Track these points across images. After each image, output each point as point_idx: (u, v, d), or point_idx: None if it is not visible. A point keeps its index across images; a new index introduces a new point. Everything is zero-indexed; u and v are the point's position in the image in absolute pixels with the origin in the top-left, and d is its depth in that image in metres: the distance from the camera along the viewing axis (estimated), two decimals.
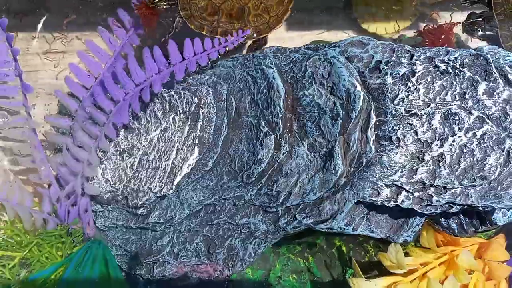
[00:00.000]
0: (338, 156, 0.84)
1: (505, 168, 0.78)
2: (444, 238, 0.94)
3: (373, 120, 0.83)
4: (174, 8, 1.04)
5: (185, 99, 0.97)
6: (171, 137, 0.96)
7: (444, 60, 0.83)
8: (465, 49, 0.84)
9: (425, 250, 0.94)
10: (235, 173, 0.92)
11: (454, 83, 0.82)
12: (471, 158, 0.79)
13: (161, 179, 0.95)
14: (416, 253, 0.93)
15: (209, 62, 1.00)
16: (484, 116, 0.79)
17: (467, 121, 0.79)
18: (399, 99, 0.83)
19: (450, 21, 1.09)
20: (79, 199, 0.99)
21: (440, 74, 0.83)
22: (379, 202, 0.83)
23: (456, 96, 0.81)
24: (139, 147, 0.99)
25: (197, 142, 0.94)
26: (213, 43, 0.99)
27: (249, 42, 1.07)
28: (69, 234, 1.01)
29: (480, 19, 1.06)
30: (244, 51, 1.06)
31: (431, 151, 0.80)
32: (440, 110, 0.81)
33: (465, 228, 0.91)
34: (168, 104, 0.98)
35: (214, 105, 0.95)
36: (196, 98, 0.96)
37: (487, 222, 0.88)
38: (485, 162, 0.78)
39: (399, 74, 0.84)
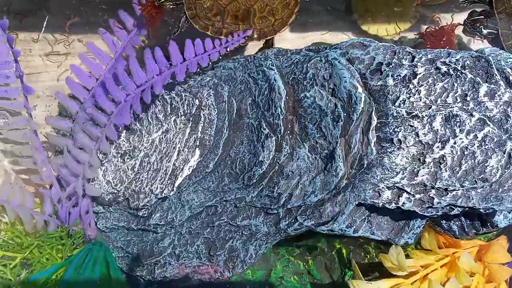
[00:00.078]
0: (339, 158, 0.83)
1: (506, 170, 0.78)
2: (445, 240, 0.94)
3: (374, 122, 0.83)
4: (180, 8, 1.03)
5: (186, 101, 0.97)
6: (172, 139, 0.96)
7: (445, 62, 0.83)
8: (466, 51, 0.84)
9: (426, 252, 0.94)
10: (236, 175, 0.92)
11: (456, 85, 0.82)
12: (473, 160, 0.79)
13: (162, 181, 0.95)
14: (417, 255, 0.93)
15: (210, 63, 1.00)
16: (485, 118, 0.79)
17: (468, 123, 0.79)
18: (401, 101, 0.83)
19: (451, 23, 1.09)
20: (80, 200, 0.99)
21: (441, 76, 0.83)
22: (380, 204, 0.83)
23: (458, 98, 0.81)
24: (140, 148, 0.99)
25: (198, 143, 0.94)
26: (214, 44, 0.99)
27: (251, 43, 1.06)
28: (70, 236, 1.01)
29: (482, 16, 1.06)
30: (253, 53, 1.05)
31: (432, 153, 0.80)
32: (441, 112, 0.81)
33: (466, 230, 0.91)
34: (169, 106, 0.98)
35: (215, 107, 0.95)
36: (197, 100, 0.96)
37: (488, 224, 0.88)
38: (486, 164, 0.78)
39: (400, 76, 0.84)
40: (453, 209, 0.81)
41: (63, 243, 1.00)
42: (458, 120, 0.80)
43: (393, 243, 0.90)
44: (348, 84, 0.84)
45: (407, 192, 0.81)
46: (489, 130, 0.78)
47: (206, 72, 1.02)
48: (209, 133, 0.94)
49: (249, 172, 0.90)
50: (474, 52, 0.84)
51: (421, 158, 0.81)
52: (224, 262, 0.95)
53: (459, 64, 0.82)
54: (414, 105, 0.82)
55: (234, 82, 0.97)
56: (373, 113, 0.84)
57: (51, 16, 1.20)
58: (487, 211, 0.81)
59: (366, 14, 1.19)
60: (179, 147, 0.95)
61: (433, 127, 0.80)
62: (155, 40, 1.12)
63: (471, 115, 0.79)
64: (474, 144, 0.79)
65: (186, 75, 0.94)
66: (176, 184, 0.94)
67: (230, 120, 0.95)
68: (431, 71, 0.83)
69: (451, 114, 0.80)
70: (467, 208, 0.80)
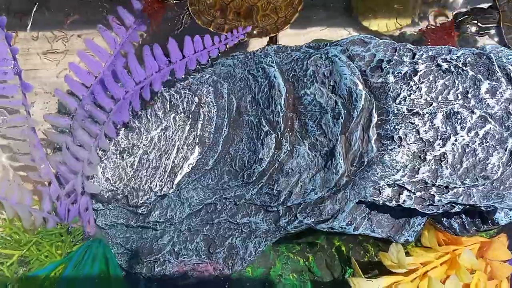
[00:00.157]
0: (339, 155, 0.83)
1: (507, 168, 0.78)
2: (445, 237, 0.94)
3: (375, 119, 0.83)
4: (183, 3, 1.03)
5: (186, 98, 0.96)
6: (171, 136, 0.96)
7: (446, 59, 0.82)
8: (467, 48, 0.84)
9: (426, 250, 0.94)
10: (236, 172, 0.92)
11: (457, 82, 0.81)
12: (474, 158, 0.78)
13: (161, 178, 0.95)
14: (417, 253, 0.93)
15: (209, 60, 0.99)
16: (486, 115, 0.78)
17: (469, 120, 0.79)
18: (401, 98, 0.82)
19: (452, 19, 1.08)
20: (79, 198, 0.99)
21: (442, 73, 0.82)
22: (381, 202, 0.82)
23: (459, 95, 0.81)
24: (139, 146, 0.98)
25: (197, 141, 0.94)
26: (213, 41, 0.98)
27: (255, 40, 1.06)
28: (69, 233, 1.01)
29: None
30: (254, 50, 1.05)
31: (433, 151, 0.80)
32: (442, 109, 0.80)
33: (467, 227, 0.91)
34: (168, 103, 0.98)
35: (214, 104, 0.95)
36: (196, 97, 0.95)
37: (489, 221, 0.88)
38: (487, 162, 0.78)
39: (401, 73, 0.83)
40: (454, 207, 0.81)
41: (62, 240, 0.99)
42: (459, 118, 0.79)
43: (393, 241, 0.90)
44: (349, 81, 0.84)
45: (408, 190, 0.81)
46: (490, 128, 0.78)
47: (205, 69, 1.02)
48: (208, 130, 0.94)
49: (249, 169, 0.90)
50: (476, 49, 0.84)
51: (422, 155, 0.80)
52: (223, 259, 0.95)
53: (460, 61, 0.82)
54: (415, 102, 0.82)
55: (233, 79, 0.97)
56: (374, 110, 0.83)
57: (50, 14, 1.20)
58: (488, 209, 0.80)
59: (367, 11, 1.19)
60: (178, 145, 0.95)
61: (434, 125, 0.80)
62: (156, 36, 1.11)
63: (472, 112, 0.79)
64: (475, 141, 0.78)
65: (185, 72, 0.94)
66: (176, 182, 0.94)
67: (229, 117, 0.94)
68: (432, 68, 0.83)
69: (452, 111, 0.80)
70: (468, 206, 0.80)
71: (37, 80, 1.17)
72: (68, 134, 0.98)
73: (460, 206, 0.81)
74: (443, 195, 0.80)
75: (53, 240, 0.98)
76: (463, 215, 0.91)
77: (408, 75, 0.83)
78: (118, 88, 0.90)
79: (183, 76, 0.95)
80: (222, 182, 0.93)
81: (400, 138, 0.81)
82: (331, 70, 0.86)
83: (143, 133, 0.99)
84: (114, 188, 0.99)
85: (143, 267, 1.00)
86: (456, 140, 0.79)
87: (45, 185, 1.02)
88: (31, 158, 0.99)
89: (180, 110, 0.97)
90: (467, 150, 0.79)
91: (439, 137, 0.80)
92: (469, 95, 0.80)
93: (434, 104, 0.81)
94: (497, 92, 0.79)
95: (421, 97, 0.82)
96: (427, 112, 0.81)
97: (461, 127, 0.79)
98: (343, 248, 1.02)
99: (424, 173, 0.80)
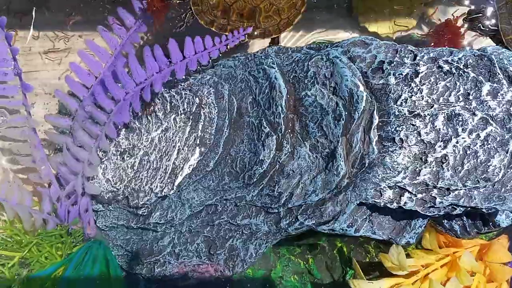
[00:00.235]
0: (340, 157, 0.83)
1: (509, 170, 0.78)
2: (446, 239, 0.94)
3: (376, 120, 0.83)
4: (186, 2, 1.03)
5: (186, 99, 0.96)
6: (172, 137, 0.96)
7: (447, 61, 0.82)
8: (468, 50, 0.84)
9: (427, 252, 0.93)
10: (237, 174, 0.92)
11: (458, 83, 0.81)
12: (475, 160, 0.78)
13: (162, 180, 0.94)
14: (417, 255, 0.93)
15: (210, 61, 0.99)
16: (488, 117, 0.78)
17: (470, 122, 0.79)
18: (402, 100, 0.82)
19: (454, 19, 1.08)
20: (80, 199, 0.99)
21: (443, 75, 0.82)
22: (382, 204, 0.82)
23: (460, 97, 0.81)
24: (140, 147, 0.98)
25: (198, 142, 0.94)
26: (214, 41, 0.98)
27: (257, 42, 1.06)
28: (69, 234, 1.01)
29: (480, 14, 1.07)
30: (255, 50, 1.05)
31: (434, 153, 0.80)
32: (443, 111, 0.80)
33: (468, 229, 0.91)
34: (169, 104, 0.98)
35: (215, 105, 0.95)
36: (197, 98, 0.95)
37: (490, 223, 0.88)
38: (488, 164, 0.77)
39: (402, 74, 0.83)
40: (455, 209, 0.80)
41: (63, 241, 0.99)
42: (460, 119, 0.79)
43: (394, 243, 0.90)
44: (350, 83, 0.83)
45: (409, 192, 0.81)
46: (491, 130, 0.78)
47: (206, 70, 1.01)
48: (209, 131, 0.94)
49: (250, 171, 0.90)
50: (477, 51, 0.84)
51: (423, 157, 0.80)
52: (224, 261, 0.95)
53: (461, 62, 0.81)
54: (416, 104, 0.82)
55: (234, 80, 0.97)
56: (375, 112, 0.83)
57: (50, 14, 1.20)
58: (490, 211, 0.80)
59: (368, 12, 1.18)
60: (179, 146, 0.95)
61: (435, 126, 0.80)
62: (159, 36, 1.11)
63: (474, 114, 0.79)
64: (477, 143, 0.78)
65: (186, 73, 0.93)
66: (176, 183, 0.94)
67: (230, 118, 0.94)
68: (433, 69, 0.82)
69: (453, 113, 0.80)
70: (469, 208, 0.80)
71: (38, 81, 1.17)
72: (69, 134, 0.98)
73: (461, 208, 0.80)
74: (444, 197, 0.79)
75: (53, 242, 0.98)
76: (464, 217, 0.91)
77: (409, 76, 0.83)
78: (119, 89, 0.90)
79: (184, 77, 0.95)
80: (222, 183, 0.93)
81: (401, 139, 0.81)
82: (332, 72, 0.86)
83: (143, 134, 0.99)
84: (115, 189, 0.98)
85: (143, 268, 0.99)
86: (457, 142, 0.79)
87: (45, 187, 1.02)
88: (31, 159, 0.99)
89: (180, 111, 0.96)
90: (468, 152, 0.78)
91: (440, 139, 0.80)
92: (471, 97, 0.80)
93: (435, 106, 0.81)
94: (499, 94, 0.79)
95: (422, 98, 0.82)
96: (428, 114, 0.80)
97: (463, 129, 0.79)
98: (344, 249, 1.01)
99: (425, 175, 0.80)
